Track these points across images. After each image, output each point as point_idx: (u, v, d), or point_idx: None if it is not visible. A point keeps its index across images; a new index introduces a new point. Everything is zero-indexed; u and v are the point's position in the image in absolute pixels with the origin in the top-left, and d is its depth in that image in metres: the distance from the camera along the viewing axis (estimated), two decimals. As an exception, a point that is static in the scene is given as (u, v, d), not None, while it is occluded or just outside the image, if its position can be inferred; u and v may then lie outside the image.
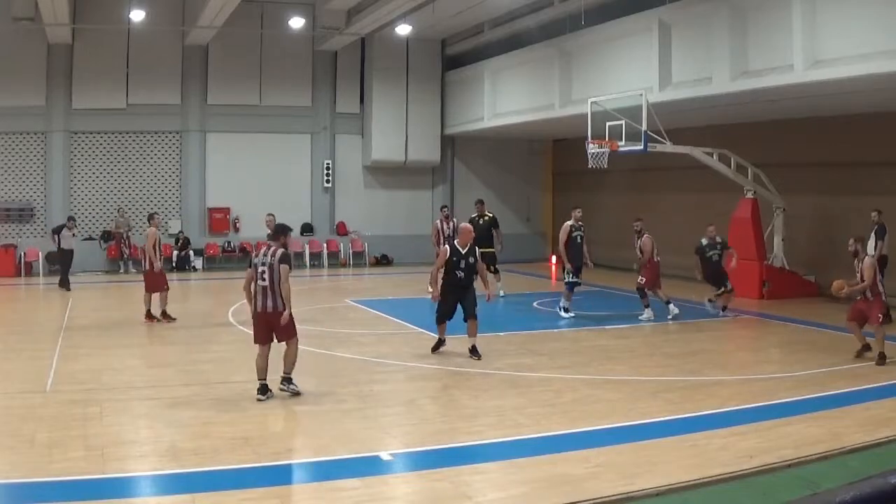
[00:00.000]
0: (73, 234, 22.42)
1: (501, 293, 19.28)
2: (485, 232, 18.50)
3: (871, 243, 15.26)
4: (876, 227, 16.20)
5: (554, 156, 31.96)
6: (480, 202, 20.46)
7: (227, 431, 8.66)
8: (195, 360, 12.73)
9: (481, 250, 13.46)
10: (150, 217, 16.59)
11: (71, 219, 23.01)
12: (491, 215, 19.87)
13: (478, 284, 12.66)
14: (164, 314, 16.01)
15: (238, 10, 23.01)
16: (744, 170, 19.67)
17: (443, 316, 12.76)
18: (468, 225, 13.37)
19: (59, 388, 10.64)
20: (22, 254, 25.07)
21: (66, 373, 11.50)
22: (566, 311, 16.79)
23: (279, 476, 7.46)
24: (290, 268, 10.20)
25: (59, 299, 19.24)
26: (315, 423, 9.15)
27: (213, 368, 12.18)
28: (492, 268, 18.31)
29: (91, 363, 12.22)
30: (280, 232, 10.53)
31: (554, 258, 24.38)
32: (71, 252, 22.01)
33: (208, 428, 8.81)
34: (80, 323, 16.28)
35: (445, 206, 20.20)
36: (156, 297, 16.01)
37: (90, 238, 26.40)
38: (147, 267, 16.02)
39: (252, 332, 10.33)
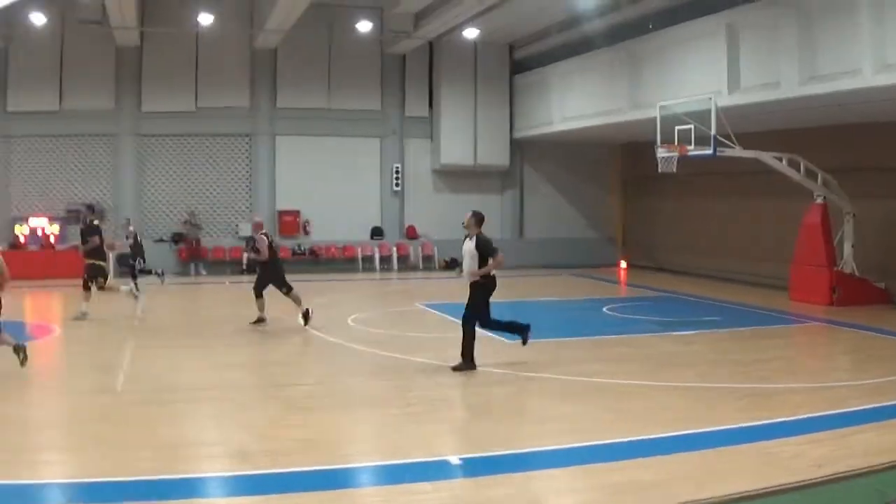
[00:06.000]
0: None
1: None
2: None
3: None
4: None
5: (622, 160, 31.77)
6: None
7: (297, 433, 8.79)
8: (264, 362, 12.98)
9: None
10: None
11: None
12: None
13: None
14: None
15: (306, 13, 23.32)
16: (813, 175, 19.39)
17: None
18: None
19: (129, 387, 10.88)
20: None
21: (136, 373, 11.75)
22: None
23: (349, 479, 7.55)
24: None
25: (130, 301, 19.07)
26: (384, 427, 9.28)
27: (281, 371, 12.42)
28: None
29: (161, 364, 12.45)
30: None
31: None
32: None
33: (278, 430, 8.97)
34: (150, 325, 16.60)
35: None
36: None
37: (161, 240, 27.01)
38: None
39: None
